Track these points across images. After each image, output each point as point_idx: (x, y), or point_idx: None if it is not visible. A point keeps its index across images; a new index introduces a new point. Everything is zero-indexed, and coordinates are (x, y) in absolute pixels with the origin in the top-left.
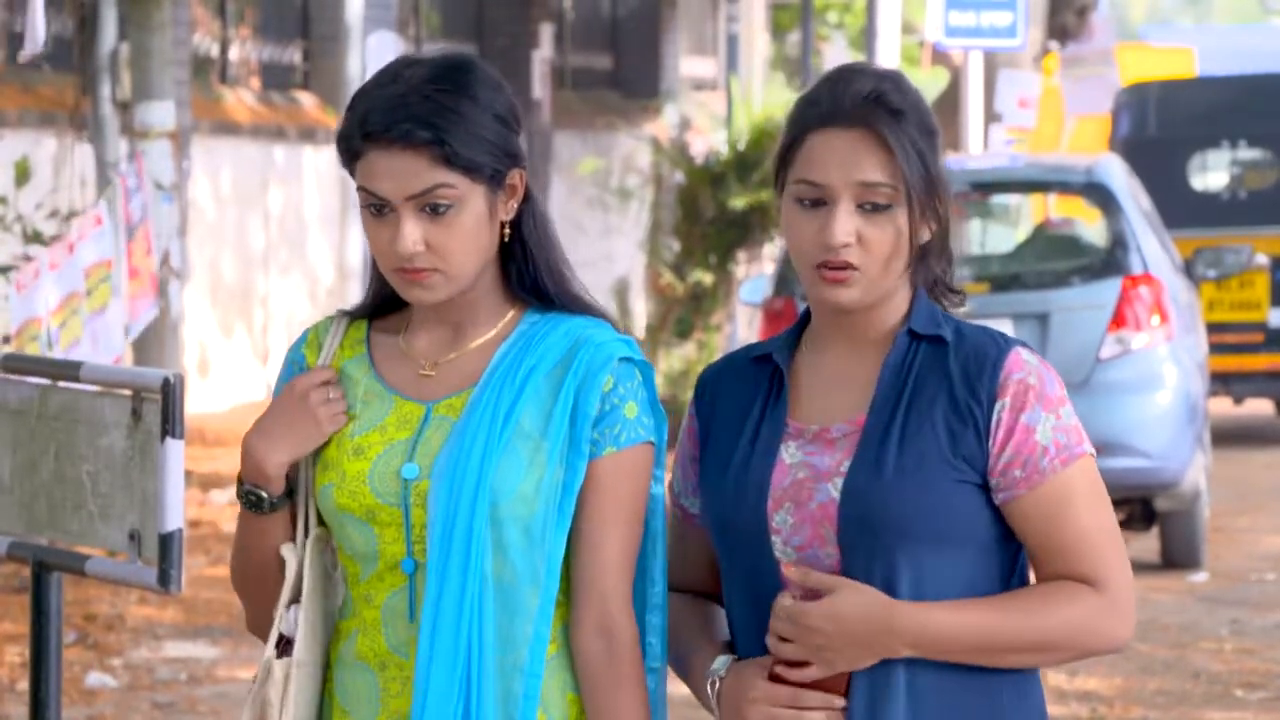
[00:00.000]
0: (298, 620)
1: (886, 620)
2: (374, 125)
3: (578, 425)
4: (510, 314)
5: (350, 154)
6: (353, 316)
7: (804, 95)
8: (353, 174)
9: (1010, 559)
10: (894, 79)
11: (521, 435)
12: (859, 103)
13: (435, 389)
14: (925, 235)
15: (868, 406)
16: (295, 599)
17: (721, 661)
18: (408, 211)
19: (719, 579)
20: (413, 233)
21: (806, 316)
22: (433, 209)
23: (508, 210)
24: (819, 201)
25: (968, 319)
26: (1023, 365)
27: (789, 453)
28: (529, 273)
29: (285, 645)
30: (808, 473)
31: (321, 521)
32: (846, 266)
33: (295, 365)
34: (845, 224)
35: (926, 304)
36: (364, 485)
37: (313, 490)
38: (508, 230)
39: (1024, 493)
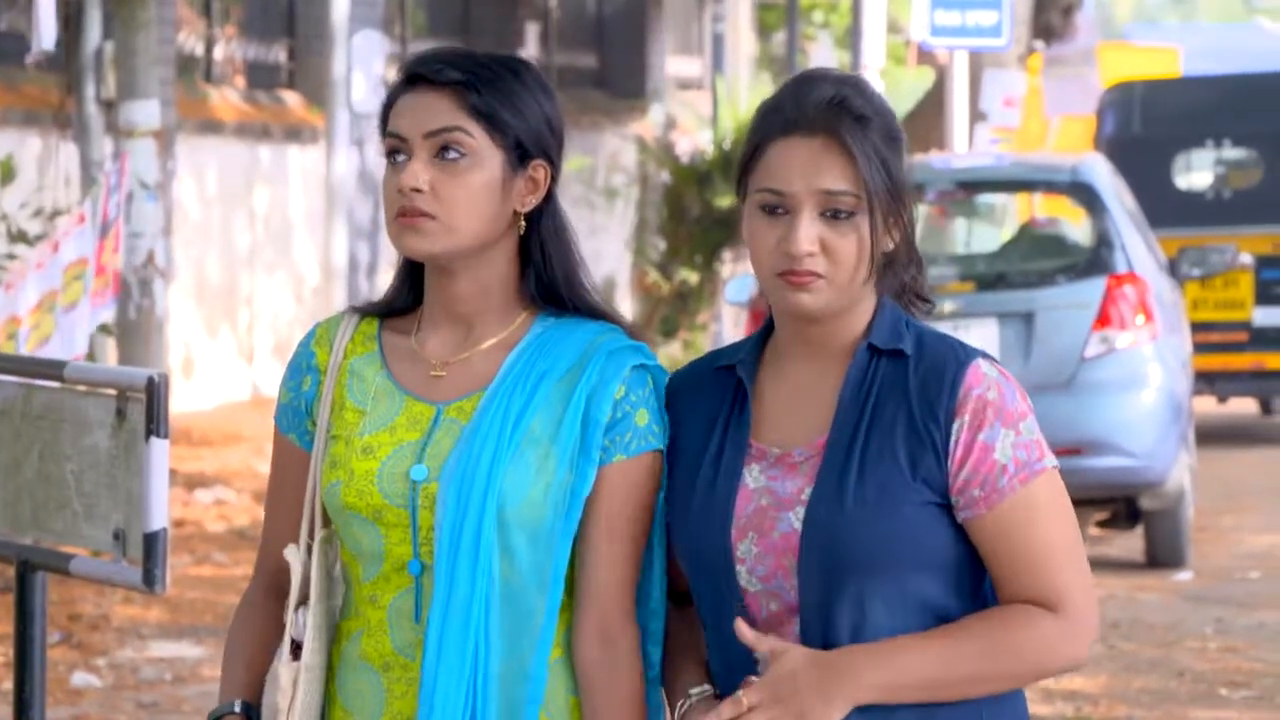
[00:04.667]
0: (305, 623)
1: (838, 671)
2: (412, 69)
3: (589, 431)
4: (523, 317)
5: (387, 105)
6: (364, 313)
7: (766, 102)
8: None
9: (977, 577)
10: (856, 84)
11: (531, 441)
12: (821, 109)
13: (446, 390)
14: (889, 244)
15: (827, 429)
16: (303, 601)
17: (698, 691)
18: (421, 152)
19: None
20: (421, 171)
21: (769, 326)
22: (445, 153)
23: (525, 202)
24: (781, 209)
25: (954, 318)
26: (982, 379)
27: (752, 476)
28: (544, 276)
29: (295, 650)
30: (770, 500)
31: (327, 522)
32: (811, 275)
33: (304, 362)
34: (808, 232)
35: (890, 314)
36: (372, 485)
37: (320, 488)
38: (523, 223)
39: (983, 512)
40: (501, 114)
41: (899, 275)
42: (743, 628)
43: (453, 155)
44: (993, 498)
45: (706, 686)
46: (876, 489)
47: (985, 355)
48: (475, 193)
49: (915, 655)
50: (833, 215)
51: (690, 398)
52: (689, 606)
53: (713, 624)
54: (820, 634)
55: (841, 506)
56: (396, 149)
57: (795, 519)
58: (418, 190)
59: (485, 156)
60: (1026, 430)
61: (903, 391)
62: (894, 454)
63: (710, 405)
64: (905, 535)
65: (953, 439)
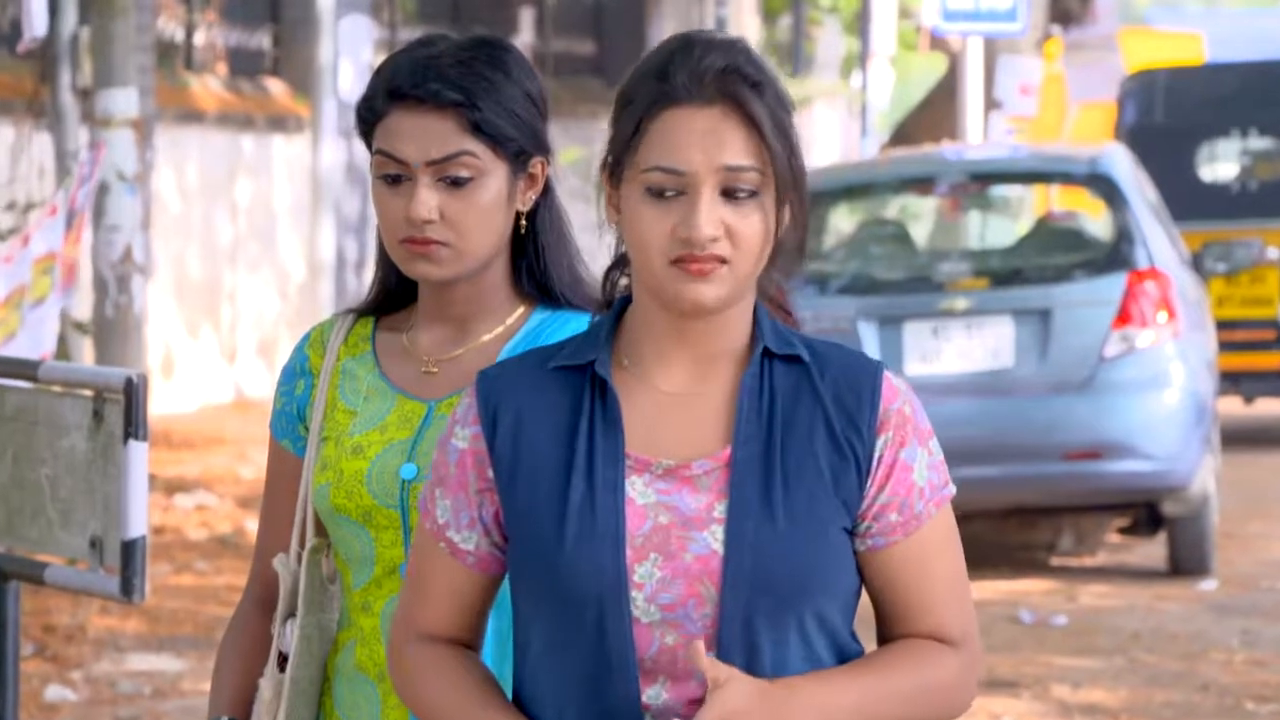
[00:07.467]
0: (293, 635)
1: (782, 705)
2: (401, 83)
3: None
4: (518, 311)
5: (371, 116)
6: (358, 313)
7: (642, 70)
8: (369, 142)
9: (853, 613)
10: (744, 48)
11: None
12: (717, 76)
13: (438, 387)
14: (783, 229)
15: (728, 439)
16: (291, 613)
17: None
18: (426, 178)
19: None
20: (429, 199)
21: (615, 321)
22: (453, 181)
23: (525, 200)
24: (675, 191)
25: (968, 316)
26: (898, 393)
27: (638, 491)
28: (539, 270)
29: (282, 663)
30: (671, 517)
31: (320, 531)
32: (715, 260)
33: (298, 366)
34: (711, 215)
35: (768, 317)
36: (361, 485)
37: (311, 492)
38: (523, 223)
39: (899, 539)
40: (503, 129)
41: (775, 275)
42: (699, 649)
43: (460, 178)
44: (910, 524)
45: None
46: (805, 502)
47: (885, 364)
48: (486, 212)
49: (847, 693)
50: (734, 195)
51: (526, 400)
52: (466, 650)
53: (578, 667)
54: (742, 670)
55: (773, 524)
56: (394, 171)
57: (713, 539)
58: (429, 221)
59: (491, 173)
60: (936, 450)
61: (814, 398)
62: (817, 466)
63: (559, 409)
64: (833, 557)
65: (876, 456)
